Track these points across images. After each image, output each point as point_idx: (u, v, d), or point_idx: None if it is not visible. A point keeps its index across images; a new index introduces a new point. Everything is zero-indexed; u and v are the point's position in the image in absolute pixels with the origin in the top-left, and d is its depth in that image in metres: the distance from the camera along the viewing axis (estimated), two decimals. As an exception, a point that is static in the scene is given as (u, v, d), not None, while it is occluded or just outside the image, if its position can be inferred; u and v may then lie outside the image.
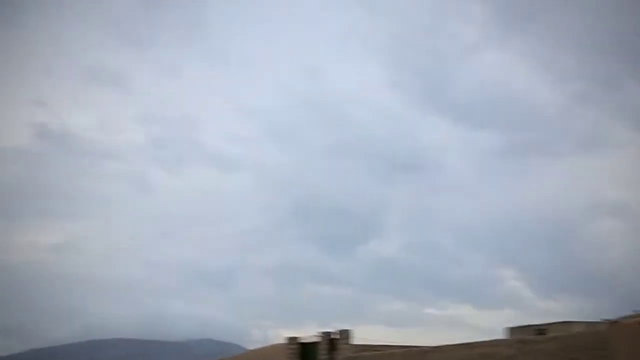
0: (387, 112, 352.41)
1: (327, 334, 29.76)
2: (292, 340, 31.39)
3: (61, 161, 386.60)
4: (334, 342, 29.24)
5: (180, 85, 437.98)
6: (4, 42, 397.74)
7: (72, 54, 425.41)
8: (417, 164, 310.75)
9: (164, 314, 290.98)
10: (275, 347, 33.40)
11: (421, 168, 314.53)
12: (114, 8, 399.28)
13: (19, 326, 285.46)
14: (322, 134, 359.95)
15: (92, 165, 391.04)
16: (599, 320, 25.59)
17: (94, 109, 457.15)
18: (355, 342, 29.06)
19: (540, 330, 28.99)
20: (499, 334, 31.47)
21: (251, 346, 50.27)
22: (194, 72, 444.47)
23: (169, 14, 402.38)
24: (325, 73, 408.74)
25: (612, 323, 17.91)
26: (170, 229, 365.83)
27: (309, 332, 31.20)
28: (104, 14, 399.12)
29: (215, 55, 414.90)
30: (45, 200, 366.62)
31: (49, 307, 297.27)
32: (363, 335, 29.81)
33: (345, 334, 28.96)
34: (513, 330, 30.99)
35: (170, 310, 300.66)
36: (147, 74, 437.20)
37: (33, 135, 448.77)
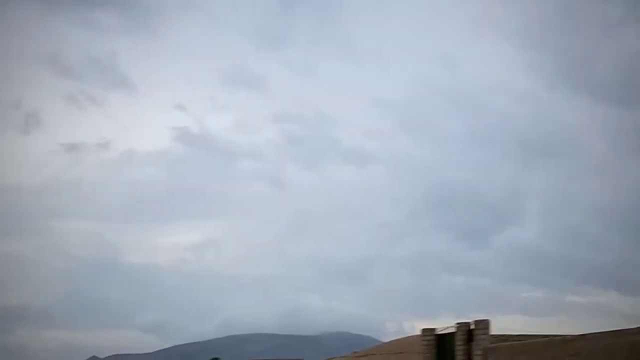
0: (524, 96, 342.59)
1: (464, 324, 29.03)
2: (428, 331, 30.92)
3: (201, 163, 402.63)
4: (471, 333, 28.48)
5: (315, 82, 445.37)
6: (146, 51, 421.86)
7: (209, 58, 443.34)
8: (557, 148, 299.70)
9: (302, 309, 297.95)
10: (410, 339, 33.06)
11: (561, 151, 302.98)
12: (249, 11, 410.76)
13: (164, 323, 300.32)
14: (457, 123, 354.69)
15: (231, 165, 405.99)
16: None
17: (231, 110, 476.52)
18: (493, 333, 28.19)
19: (696, 315, 26.97)
20: (650, 321, 29.65)
21: (386, 339, 50.21)
22: (328, 68, 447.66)
23: (302, 13, 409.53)
24: (460, 60, 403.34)
25: None
26: (306, 225, 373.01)
27: (444, 324, 30.61)
28: (239, 17, 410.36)
29: (348, 50, 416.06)
30: (187, 201, 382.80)
31: (192, 304, 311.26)
32: (501, 325, 28.84)
33: (483, 324, 28.11)
34: (665, 316, 29.07)
35: (307, 305, 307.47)
36: (282, 73, 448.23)
37: (174, 138, 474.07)
